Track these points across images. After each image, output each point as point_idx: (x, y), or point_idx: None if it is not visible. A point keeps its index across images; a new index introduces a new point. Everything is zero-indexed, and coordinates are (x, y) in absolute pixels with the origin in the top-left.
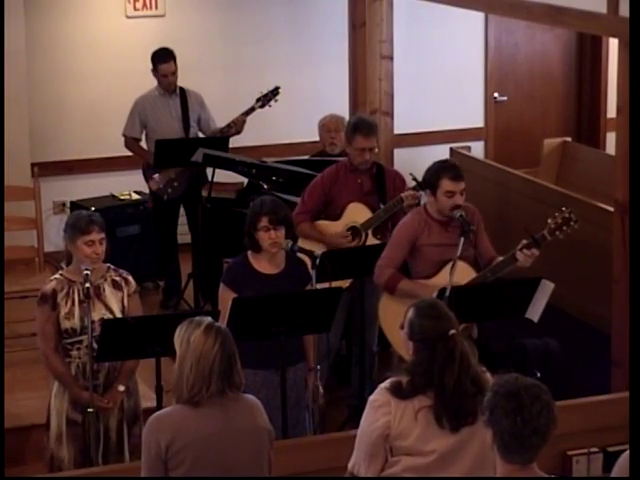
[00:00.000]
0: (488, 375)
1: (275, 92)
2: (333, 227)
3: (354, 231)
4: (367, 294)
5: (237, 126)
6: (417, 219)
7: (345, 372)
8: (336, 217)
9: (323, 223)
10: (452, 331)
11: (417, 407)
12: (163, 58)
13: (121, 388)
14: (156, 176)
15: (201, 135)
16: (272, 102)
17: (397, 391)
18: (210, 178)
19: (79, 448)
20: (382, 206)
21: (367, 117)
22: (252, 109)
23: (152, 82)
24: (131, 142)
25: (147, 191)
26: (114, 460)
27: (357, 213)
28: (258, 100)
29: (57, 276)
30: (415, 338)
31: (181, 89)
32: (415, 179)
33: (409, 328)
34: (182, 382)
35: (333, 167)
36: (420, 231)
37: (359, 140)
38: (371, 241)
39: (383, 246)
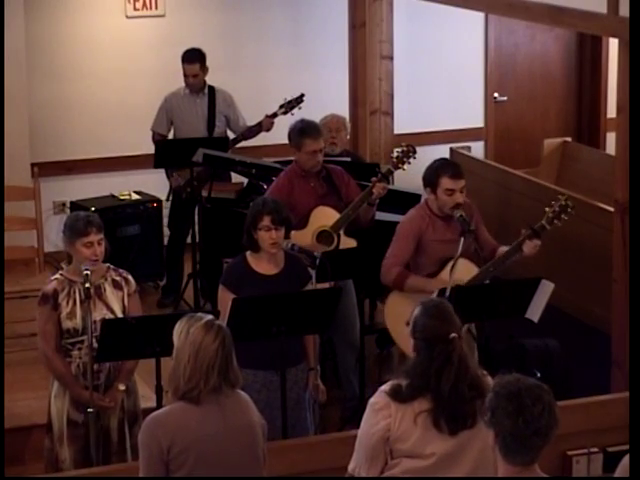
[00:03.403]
0: (489, 379)
1: (299, 100)
2: (302, 235)
3: (325, 235)
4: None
5: (265, 126)
6: (421, 214)
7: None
8: (301, 225)
9: (291, 234)
10: (453, 335)
11: (417, 410)
12: (187, 58)
13: (121, 387)
14: (176, 174)
15: (230, 135)
16: (296, 109)
17: (397, 394)
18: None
19: (80, 448)
20: (342, 204)
21: (309, 120)
22: (274, 115)
23: (152, 82)
24: (158, 138)
25: (148, 191)
26: (116, 460)
27: (323, 216)
28: (281, 107)
29: (57, 276)
30: (416, 336)
31: (210, 88)
32: (379, 170)
33: (413, 325)
34: (179, 374)
35: (283, 177)
36: (425, 227)
37: (309, 143)
38: (344, 242)
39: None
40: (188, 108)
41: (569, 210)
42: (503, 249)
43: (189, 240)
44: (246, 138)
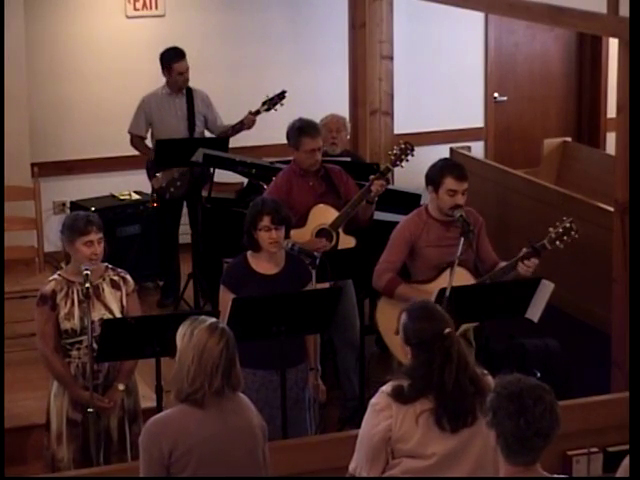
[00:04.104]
0: (489, 378)
1: (281, 96)
2: (301, 234)
3: (324, 233)
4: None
5: (248, 124)
6: (416, 221)
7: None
8: (300, 224)
9: (291, 233)
10: (447, 330)
11: (418, 411)
12: (177, 57)
13: (121, 387)
14: (159, 175)
15: (208, 135)
16: (278, 106)
17: (398, 395)
18: (213, 178)
19: (79, 448)
20: (341, 203)
21: (307, 119)
22: (257, 112)
23: (151, 82)
24: (136, 140)
25: (148, 191)
26: (116, 459)
27: (322, 215)
28: (264, 103)
29: (56, 277)
30: (411, 342)
31: (188, 88)
32: (377, 168)
33: (404, 333)
34: (182, 376)
35: (282, 176)
36: (418, 233)
37: (307, 142)
38: (343, 240)
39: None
40: (167, 109)
41: (572, 233)
42: (503, 264)
43: (189, 240)
44: (229, 136)
